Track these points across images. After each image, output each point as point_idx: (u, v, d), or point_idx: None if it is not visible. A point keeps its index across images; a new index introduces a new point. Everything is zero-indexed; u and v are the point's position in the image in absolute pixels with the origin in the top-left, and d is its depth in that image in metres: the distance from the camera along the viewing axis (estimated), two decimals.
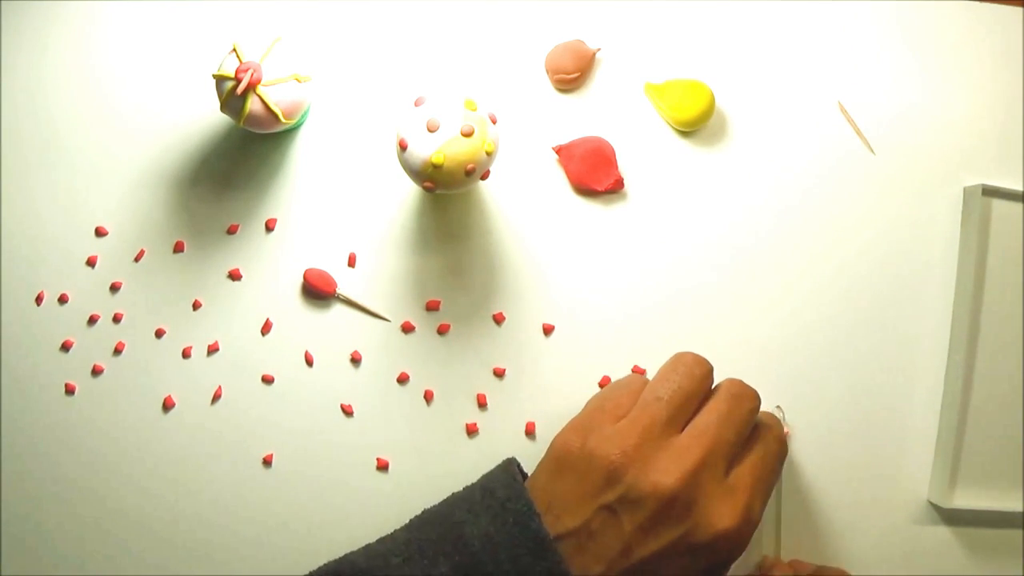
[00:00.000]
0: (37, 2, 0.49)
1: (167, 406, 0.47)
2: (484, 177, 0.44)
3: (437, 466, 0.47)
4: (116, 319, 0.48)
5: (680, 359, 0.42)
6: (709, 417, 0.40)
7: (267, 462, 0.47)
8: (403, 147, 0.42)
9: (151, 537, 0.47)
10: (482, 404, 0.48)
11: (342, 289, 0.48)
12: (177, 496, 0.47)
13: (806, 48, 0.50)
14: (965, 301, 0.48)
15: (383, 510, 0.47)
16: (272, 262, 0.48)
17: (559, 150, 0.49)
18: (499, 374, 0.48)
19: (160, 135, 0.49)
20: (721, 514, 0.38)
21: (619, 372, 0.48)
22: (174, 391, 0.47)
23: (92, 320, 0.48)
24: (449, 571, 0.38)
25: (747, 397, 0.42)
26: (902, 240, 0.49)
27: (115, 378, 0.48)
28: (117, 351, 0.48)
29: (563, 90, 0.50)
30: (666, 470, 0.38)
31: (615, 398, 0.42)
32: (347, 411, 0.47)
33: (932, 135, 0.50)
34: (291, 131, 0.49)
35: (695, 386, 0.41)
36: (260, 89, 0.43)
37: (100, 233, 0.48)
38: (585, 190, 0.49)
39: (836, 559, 0.47)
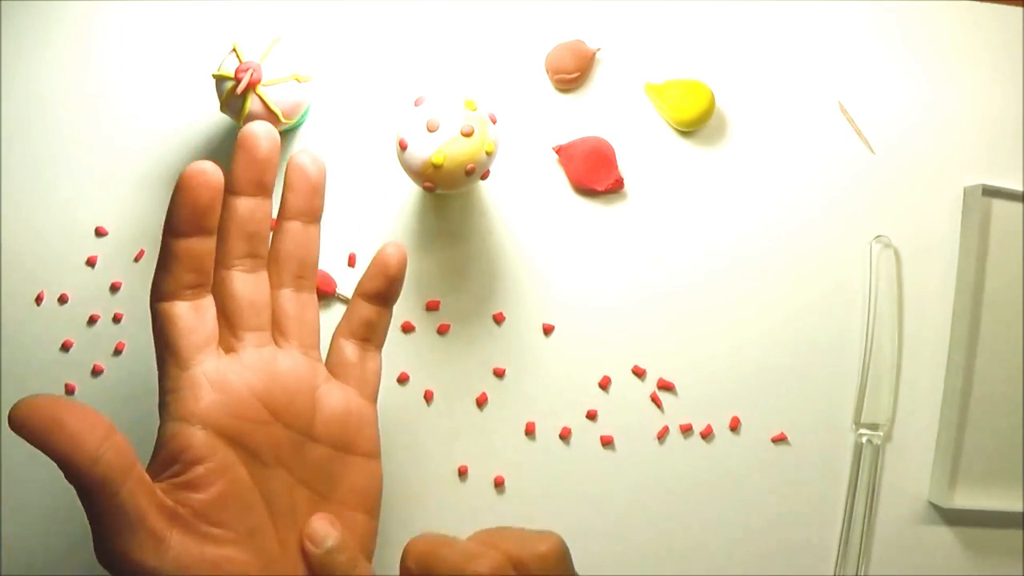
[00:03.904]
0: (37, 2, 0.49)
1: None
2: (484, 177, 0.44)
3: (437, 466, 0.47)
4: (116, 319, 0.48)
5: None
6: None
7: None
8: (403, 147, 0.42)
9: None
10: (482, 404, 0.48)
11: (342, 289, 0.48)
12: None
13: (806, 48, 0.50)
14: (965, 301, 0.48)
15: (383, 510, 0.47)
16: None
17: (559, 150, 0.49)
18: (499, 374, 0.48)
19: (160, 135, 0.49)
20: None
21: (619, 372, 0.48)
22: None
23: (92, 320, 0.48)
24: None
25: None
26: (902, 240, 0.49)
27: (115, 378, 0.48)
28: (117, 351, 0.48)
29: (563, 90, 0.50)
30: None
31: None
32: None
33: (932, 135, 0.50)
34: (291, 131, 0.49)
35: None
36: (260, 89, 0.43)
37: (100, 233, 0.48)
38: (585, 190, 0.49)
39: (836, 559, 0.47)
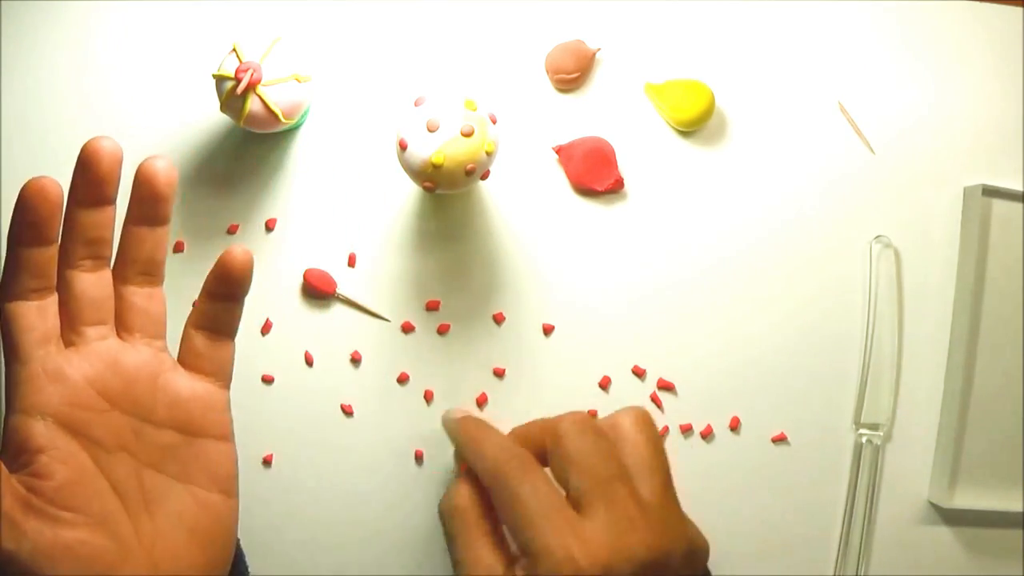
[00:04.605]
0: (37, 2, 0.49)
1: None
2: (484, 177, 0.44)
3: (438, 466, 0.47)
4: None
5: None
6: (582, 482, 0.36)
7: (267, 462, 0.47)
8: (403, 147, 0.42)
9: None
10: (482, 404, 0.48)
11: (342, 289, 0.48)
12: None
13: (806, 48, 0.50)
14: (965, 301, 0.48)
15: (383, 510, 0.47)
16: (272, 262, 0.48)
17: (559, 150, 0.49)
18: (499, 374, 0.48)
19: (160, 135, 0.49)
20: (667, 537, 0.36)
21: (619, 372, 0.48)
22: None
23: None
24: None
25: (578, 424, 0.38)
26: (902, 240, 0.49)
27: None
28: None
29: (563, 90, 0.50)
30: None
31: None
32: (347, 411, 0.47)
33: (932, 135, 0.50)
34: (291, 131, 0.49)
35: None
36: (260, 89, 0.43)
37: None
38: (585, 190, 0.49)
39: (836, 559, 0.47)
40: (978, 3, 0.51)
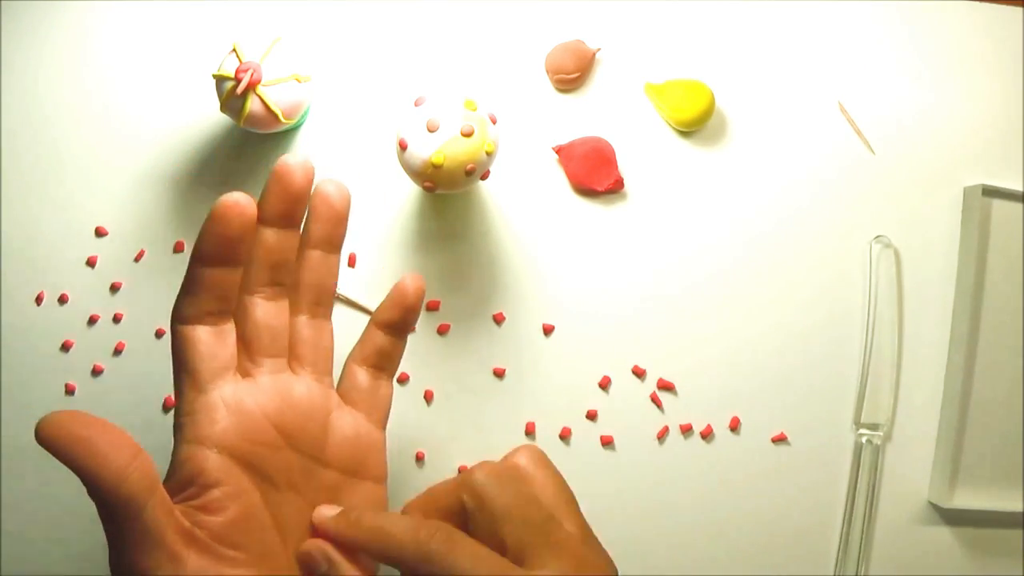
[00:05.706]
0: (36, 2, 0.49)
1: (167, 406, 0.47)
2: (484, 177, 0.44)
3: (437, 466, 0.47)
4: (116, 319, 0.48)
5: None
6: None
7: None
8: (403, 147, 0.42)
9: None
10: (482, 404, 0.48)
11: (342, 289, 0.48)
12: None
13: (806, 48, 0.50)
14: (965, 301, 0.48)
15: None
16: None
17: (559, 150, 0.49)
18: (499, 374, 0.48)
19: (160, 135, 0.49)
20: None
21: (619, 372, 0.48)
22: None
23: (92, 320, 0.48)
24: None
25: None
26: (902, 240, 0.49)
27: (115, 378, 0.48)
28: (117, 351, 0.48)
29: (563, 90, 0.50)
30: None
31: None
32: None
33: (932, 135, 0.50)
34: (291, 131, 0.49)
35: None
36: (260, 89, 0.43)
37: (100, 233, 0.48)
38: (585, 190, 0.49)
39: (836, 559, 0.47)
40: (978, 3, 0.51)
